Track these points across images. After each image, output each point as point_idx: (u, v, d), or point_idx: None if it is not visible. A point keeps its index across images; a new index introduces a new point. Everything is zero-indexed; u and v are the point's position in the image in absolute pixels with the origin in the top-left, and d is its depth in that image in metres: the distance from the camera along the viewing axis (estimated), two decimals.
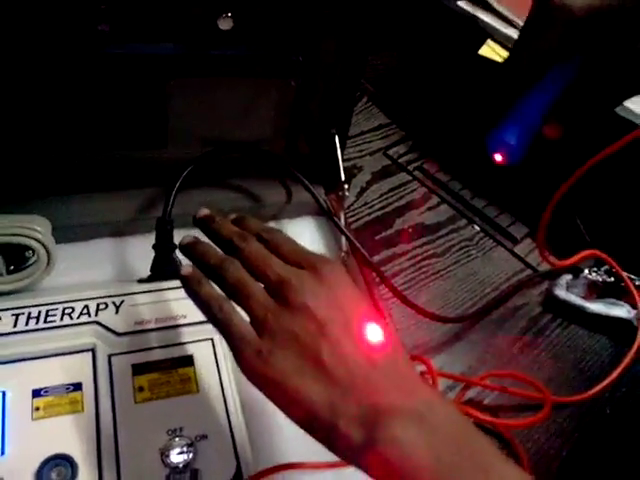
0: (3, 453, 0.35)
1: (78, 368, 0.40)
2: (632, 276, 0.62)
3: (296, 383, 0.29)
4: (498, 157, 0.38)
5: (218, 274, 0.33)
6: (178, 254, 0.47)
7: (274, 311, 0.31)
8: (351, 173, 0.72)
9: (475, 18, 0.68)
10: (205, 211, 0.38)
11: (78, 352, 0.40)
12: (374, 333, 0.32)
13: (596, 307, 0.61)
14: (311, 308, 0.31)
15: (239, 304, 0.32)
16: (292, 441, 0.41)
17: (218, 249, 0.36)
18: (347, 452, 0.28)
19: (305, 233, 0.57)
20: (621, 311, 0.60)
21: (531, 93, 0.38)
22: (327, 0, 0.44)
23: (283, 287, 0.32)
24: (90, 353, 0.41)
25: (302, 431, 0.41)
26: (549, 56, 0.36)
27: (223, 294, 0.33)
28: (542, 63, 0.36)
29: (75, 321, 0.42)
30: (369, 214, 0.68)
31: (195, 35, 0.42)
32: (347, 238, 0.54)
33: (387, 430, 0.27)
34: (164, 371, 0.41)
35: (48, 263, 0.45)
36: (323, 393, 0.29)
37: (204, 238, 0.38)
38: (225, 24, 0.40)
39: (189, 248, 0.36)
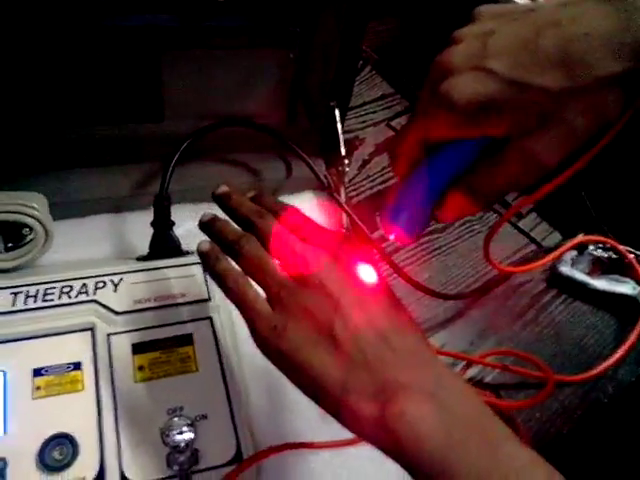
0: (5, 432, 0.36)
1: (77, 347, 0.40)
2: (638, 252, 0.61)
3: (309, 357, 0.30)
4: (391, 236, 0.36)
5: (235, 250, 0.34)
6: (177, 230, 0.47)
7: (289, 287, 0.32)
8: (353, 145, 0.71)
9: None
10: (224, 188, 0.38)
11: (77, 331, 0.40)
12: (387, 310, 0.32)
13: (600, 284, 0.60)
14: (325, 284, 0.31)
15: (255, 280, 0.33)
16: (294, 421, 0.42)
17: (236, 226, 0.36)
18: (357, 426, 0.29)
19: (305, 208, 0.55)
20: (626, 288, 0.60)
21: (422, 171, 0.35)
22: None
23: (298, 263, 0.33)
24: (89, 332, 0.40)
25: (304, 411, 0.42)
26: (429, 144, 0.34)
27: (239, 269, 0.34)
28: (420, 151, 0.34)
29: (73, 300, 0.41)
30: (371, 188, 0.67)
31: (190, 5, 0.41)
32: (347, 214, 0.53)
33: (398, 405, 0.27)
34: (164, 350, 0.41)
35: (46, 240, 0.45)
36: (335, 367, 0.29)
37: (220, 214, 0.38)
38: None
39: (208, 225, 0.37)
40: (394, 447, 0.27)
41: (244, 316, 0.32)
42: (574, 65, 0.28)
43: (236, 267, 0.34)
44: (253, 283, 0.33)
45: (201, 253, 0.35)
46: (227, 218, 0.37)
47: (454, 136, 0.33)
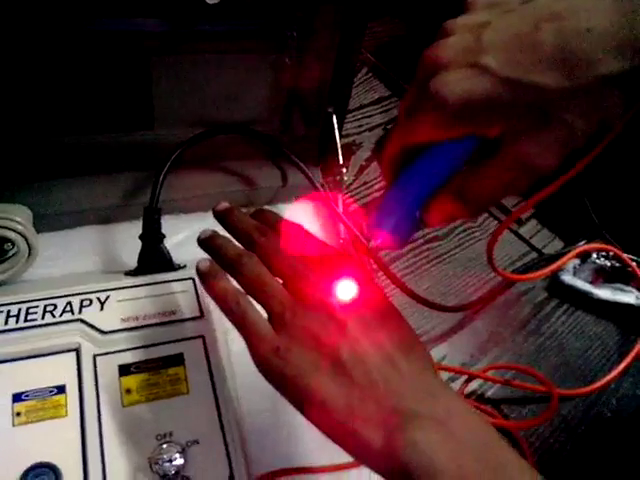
0: None
1: (61, 370, 0.38)
2: None
3: (313, 382, 0.28)
4: (378, 241, 0.34)
5: (236, 268, 0.32)
6: (168, 242, 0.45)
7: (292, 307, 0.30)
8: (350, 150, 0.69)
9: None
10: (224, 204, 0.36)
11: (61, 352, 0.38)
12: (394, 333, 0.30)
13: (603, 293, 0.59)
14: (330, 306, 0.30)
15: (256, 299, 0.32)
16: (291, 444, 0.40)
17: (237, 243, 0.34)
18: (364, 455, 0.27)
19: (301, 218, 0.54)
20: (629, 297, 0.58)
21: (409, 175, 0.33)
22: None
23: (301, 283, 0.31)
24: (74, 353, 0.38)
25: (301, 433, 0.40)
26: (419, 145, 0.32)
27: (240, 289, 0.32)
28: (407, 153, 0.32)
29: (58, 319, 0.39)
30: (368, 194, 0.65)
31: (180, 9, 0.39)
32: (344, 224, 0.51)
33: (407, 434, 0.26)
34: (153, 371, 0.39)
35: (29, 255, 0.43)
36: (341, 393, 0.28)
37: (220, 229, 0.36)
38: None
39: (207, 242, 0.35)
40: (403, 477, 0.26)
41: (245, 338, 0.31)
42: (575, 63, 0.26)
43: (237, 286, 0.32)
44: (254, 302, 0.32)
45: (200, 272, 0.33)
46: (227, 235, 0.35)
47: (444, 137, 0.31)
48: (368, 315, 0.31)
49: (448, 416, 0.27)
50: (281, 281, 0.32)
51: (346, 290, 0.31)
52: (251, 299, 0.32)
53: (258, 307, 0.32)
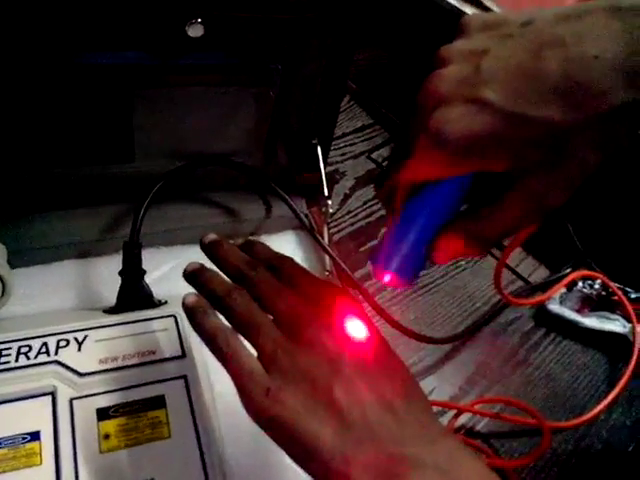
0: None
1: (36, 415, 0.36)
2: (628, 289, 0.60)
3: (306, 425, 0.27)
4: (384, 280, 0.34)
5: (225, 304, 0.31)
6: (148, 277, 0.44)
7: (284, 346, 0.29)
8: (333, 179, 0.69)
9: (463, 14, 0.65)
10: (212, 236, 0.35)
11: (36, 396, 0.36)
12: (391, 374, 0.29)
13: (590, 322, 0.58)
14: (324, 345, 0.29)
15: (247, 338, 0.30)
16: None
17: (225, 277, 0.33)
18: None
19: (286, 249, 0.53)
20: (615, 325, 0.58)
21: (414, 212, 0.32)
22: (310, 1, 0.40)
23: (294, 321, 0.30)
24: (49, 397, 0.37)
25: (286, 478, 0.39)
26: (418, 182, 0.31)
27: (230, 326, 0.31)
28: (410, 189, 0.32)
29: (32, 361, 0.38)
30: (352, 224, 0.64)
31: (163, 42, 0.38)
32: (330, 256, 0.50)
33: None
34: (132, 415, 0.37)
35: (3, 293, 0.41)
36: (336, 438, 0.26)
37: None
38: (195, 31, 0.36)
39: (194, 275, 0.33)
40: None
41: (234, 378, 0.29)
42: (582, 94, 0.24)
43: (226, 323, 0.31)
44: (245, 341, 0.30)
45: (187, 307, 0.32)
46: (215, 268, 0.34)
47: (447, 175, 0.30)
48: (364, 356, 0.29)
49: (450, 464, 0.26)
50: (272, 318, 0.31)
51: (342, 329, 0.30)
52: (241, 337, 0.30)
53: (247, 345, 0.30)
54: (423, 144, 0.28)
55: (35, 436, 0.35)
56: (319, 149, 0.49)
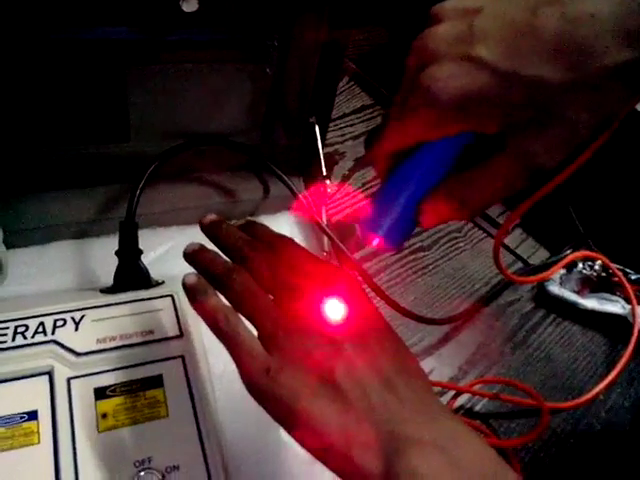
0: None
1: (33, 394, 0.36)
2: (628, 270, 0.59)
3: (307, 405, 0.26)
4: (373, 244, 0.33)
5: (225, 284, 0.31)
6: (145, 258, 0.44)
7: (285, 326, 0.29)
8: (332, 160, 0.68)
9: None
10: (212, 216, 0.34)
11: (33, 376, 0.36)
12: (392, 354, 0.29)
13: (590, 303, 0.58)
14: (325, 324, 0.29)
15: (247, 317, 0.30)
16: (277, 468, 0.38)
17: (225, 257, 0.33)
18: None
19: (284, 230, 0.53)
20: (615, 307, 0.58)
21: (402, 175, 0.32)
22: None
23: (295, 301, 0.30)
24: (47, 377, 0.36)
25: (287, 457, 0.39)
26: (410, 144, 0.30)
27: (230, 306, 0.30)
28: (400, 152, 0.31)
29: (29, 341, 0.37)
30: (351, 205, 0.64)
31: (156, 18, 0.37)
32: (328, 236, 0.50)
33: (407, 461, 0.24)
34: (130, 394, 0.37)
35: None
36: (336, 417, 0.26)
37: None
38: (189, 6, 0.35)
39: (194, 256, 0.33)
40: None
41: (234, 357, 0.29)
42: (577, 53, 0.24)
43: (226, 302, 0.31)
44: (244, 320, 0.30)
45: (187, 287, 0.31)
46: (215, 249, 0.33)
47: (438, 135, 0.29)
48: (365, 335, 0.29)
49: (450, 441, 0.26)
50: (273, 297, 0.30)
51: (342, 308, 0.30)
52: (241, 316, 0.30)
53: (248, 325, 0.30)
54: (414, 103, 0.28)
55: (32, 415, 0.35)
56: (317, 128, 0.49)
